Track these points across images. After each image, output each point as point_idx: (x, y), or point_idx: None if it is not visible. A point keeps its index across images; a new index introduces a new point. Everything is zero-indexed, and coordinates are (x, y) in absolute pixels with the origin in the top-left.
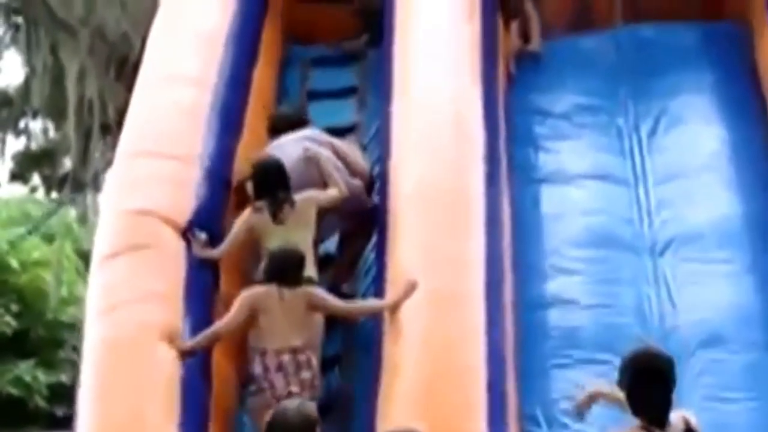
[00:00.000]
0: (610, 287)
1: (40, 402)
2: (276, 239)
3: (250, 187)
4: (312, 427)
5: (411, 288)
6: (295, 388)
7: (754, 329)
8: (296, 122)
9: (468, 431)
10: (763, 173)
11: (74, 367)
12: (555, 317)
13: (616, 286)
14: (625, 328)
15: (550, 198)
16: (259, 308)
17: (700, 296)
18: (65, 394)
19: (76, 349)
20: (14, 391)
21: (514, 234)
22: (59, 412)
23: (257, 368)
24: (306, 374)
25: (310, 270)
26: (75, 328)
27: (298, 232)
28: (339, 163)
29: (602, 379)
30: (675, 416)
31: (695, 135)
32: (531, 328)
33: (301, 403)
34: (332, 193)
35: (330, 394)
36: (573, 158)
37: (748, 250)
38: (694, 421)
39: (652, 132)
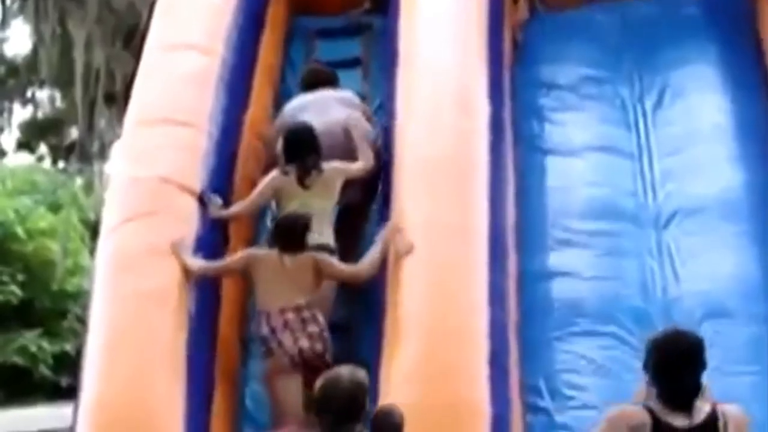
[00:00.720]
0: (614, 259)
1: (45, 372)
2: (297, 203)
3: (280, 146)
4: (364, 392)
5: (395, 230)
6: (304, 343)
7: (758, 301)
8: (328, 79)
9: (471, 403)
10: (766, 145)
11: (79, 337)
12: (558, 289)
13: (620, 258)
14: (628, 300)
15: (554, 170)
16: (258, 270)
17: (704, 268)
18: (70, 364)
19: (81, 319)
20: (19, 360)
21: (518, 205)
22: (64, 381)
23: (264, 330)
24: (313, 328)
25: (329, 238)
26: (80, 298)
27: (321, 200)
28: (369, 126)
29: (604, 351)
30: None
31: (699, 107)
32: (534, 300)
33: (353, 369)
34: (359, 165)
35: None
36: (577, 130)
37: (752, 222)
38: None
39: (657, 104)
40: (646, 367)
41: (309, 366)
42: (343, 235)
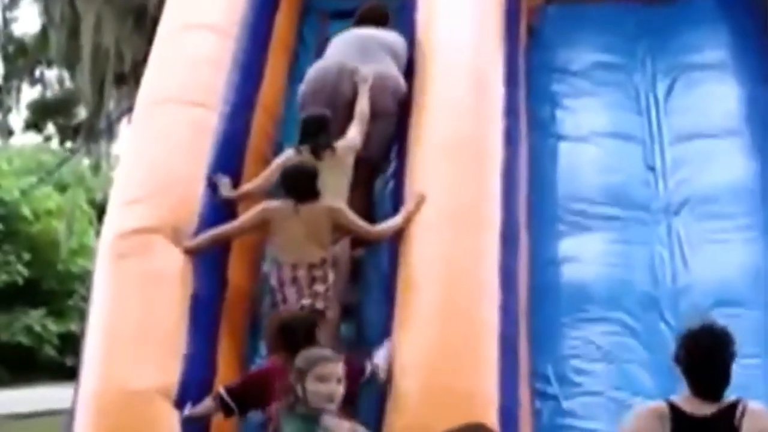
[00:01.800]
0: (624, 246)
1: (50, 351)
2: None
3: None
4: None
5: (421, 200)
6: (306, 301)
7: (767, 289)
8: (381, 18)
9: (481, 388)
10: None
11: (84, 317)
12: (567, 275)
13: (630, 245)
14: (637, 286)
15: (566, 155)
16: (274, 220)
17: (713, 256)
18: (75, 344)
19: (86, 300)
20: (24, 340)
21: (530, 190)
22: (69, 361)
23: (272, 280)
24: (320, 287)
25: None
26: (85, 278)
27: (334, 177)
28: (401, 79)
29: (613, 338)
30: None
31: (711, 96)
32: (544, 285)
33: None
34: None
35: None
36: (590, 116)
37: (762, 211)
38: None
39: (669, 92)
40: (677, 360)
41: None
42: (356, 183)
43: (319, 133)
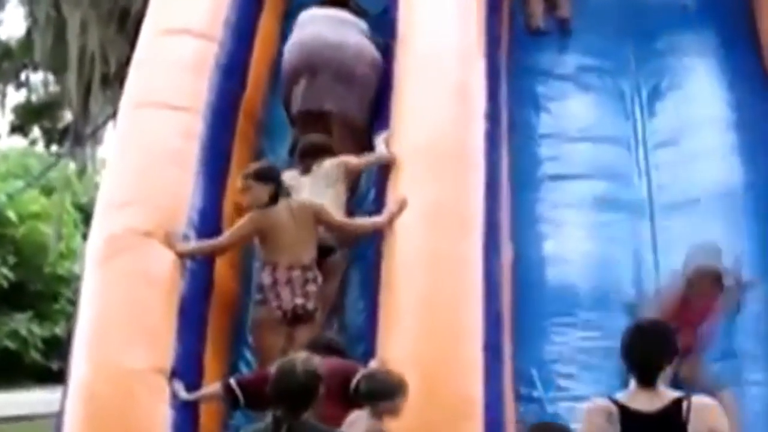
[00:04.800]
0: (608, 248)
1: (36, 356)
2: (306, 192)
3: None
4: (316, 381)
5: (402, 204)
6: (299, 300)
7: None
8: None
9: (464, 392)
10: (763, 137)
11: (70, 321)
12: (551, 277)
13: (614, 248)
14: (621, 289)
15: (550, 158)
16: (270, 226)
17: None
18: (60, 348)
19: (73, 303)
20: (10, 344)
21: (513, 193)
22: (54, 365)
23: (267, 279)
24: (312, 287)
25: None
26: (72, 281)
27: (318, 187)
28: (376, 53)
29: (596, 342)
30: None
31: (696, 98)
32: (527, 288)
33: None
34: (353, 161)
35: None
36: (574, 119)
37: (746, 213)
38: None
39: (654, 95)
40: (622, 357)
41: (296, 318)
42: (345, 151)
43: (317, 157)
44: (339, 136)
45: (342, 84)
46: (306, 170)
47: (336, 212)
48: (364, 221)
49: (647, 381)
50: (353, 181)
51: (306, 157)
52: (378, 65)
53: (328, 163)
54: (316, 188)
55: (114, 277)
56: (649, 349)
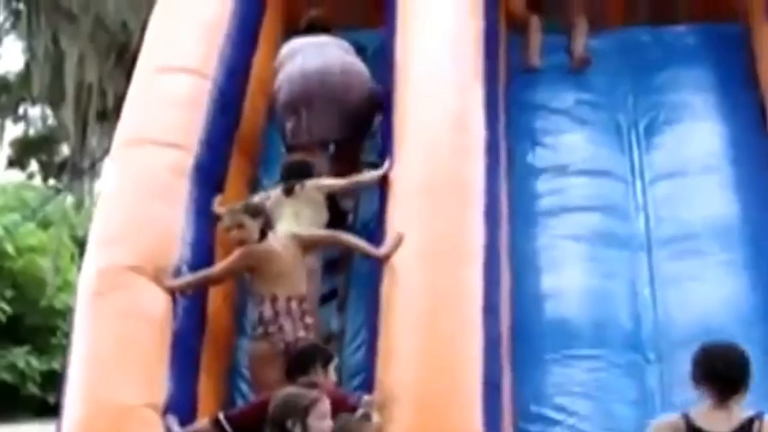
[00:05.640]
0: (606, 283)
1: (33, 389)
2: (289, 211)
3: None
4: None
5: (399, 239)
6: (301, 333)
7: (749, 327)
8: (327, 25)
9: (464, 426)
10: (760, 172)
11: (67, 354)
12: (550, 312)
13: (612, 282)
14: (619, 324)
15: (547, 192)
16: (264, 259)
17: (695, 294)
18: (58, 382)
19: (70, 337)
20: (7, 377)
21: (511, 228)
22: (52, 399)
23: (267, 312)
24: (309, 320)
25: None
26: (69, 315)
27: (308, 209)
28: (365, 69)
29: (595, 375)
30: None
31: (693, 134)
32: (526, 322)
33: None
34: (339, 183)
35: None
36: (571, 153)
37: (744, 248)
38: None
39: (651, 129)
40: (694, 377)
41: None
42: (337, 163)
43: (300, 177)
44: (335, 157)
45: (339, 110)
46: (289, 191)
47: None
48: (347, 236)
49: (725, 399)
50: (351, 200)
51: (290, 177)
52: (367, 81)
53: (311, 185)
54: (298, 209)
55: (106, 313)
56: (732, 366)
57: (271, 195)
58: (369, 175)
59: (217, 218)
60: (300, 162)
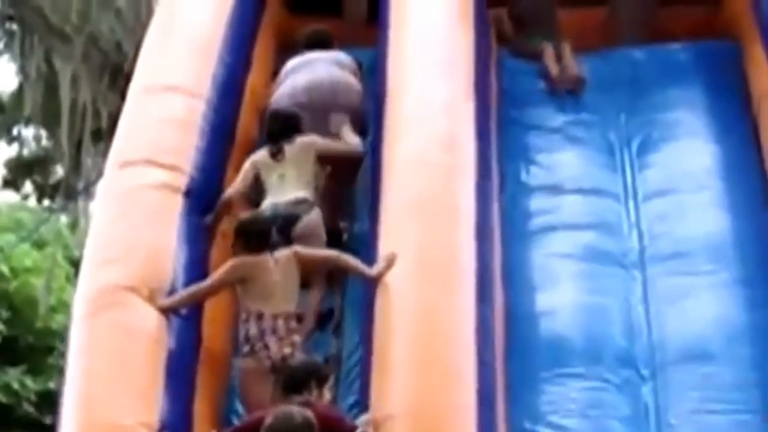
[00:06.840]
0: (599, 301)
1: (29, 409)
2: (275, 174)
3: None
4: (312, 429)
5: (392, 259)
6: (287, 350)
7: (741, 344)
8: (326, 41)
9: None
10: (752, 190)
11: (63, 374)
12: (543, 330)
13: (605, 300)
14: (613, 341)
15: (541, 211)
16: (253, 274)
17: (688, 311)
18: (53, 402)
19: (66, 357)
20: (2, 398)
21: (504, 245)
22: (47, 419)
23: (252, 330)
24: (297, 338)
25: (306, 193)
26: (64, 335)
27: (295, 169)
28: (356, 83)
29: (589, 393)
30: None
31: (685, 152)
32: (519, 341)
33: (302, 408)
34: (337, 145)
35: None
36: (564, 172)
37: (737, 265)
38: None
39: (643, 148)
40: None
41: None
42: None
43: (287, 132)
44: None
45: (326, 125)
46: (277, 152)
47: (310, 192)
48: (346, 257)
49: None
50: (351, 172)
51: (275, 137)
52: (356, 99)
53: (299, 144)
54: (283, 171)
55: (101, 333)
56: None
57: (258, 160)
58: (350, 142)
59: (211, 234)
60: (286, 115)
